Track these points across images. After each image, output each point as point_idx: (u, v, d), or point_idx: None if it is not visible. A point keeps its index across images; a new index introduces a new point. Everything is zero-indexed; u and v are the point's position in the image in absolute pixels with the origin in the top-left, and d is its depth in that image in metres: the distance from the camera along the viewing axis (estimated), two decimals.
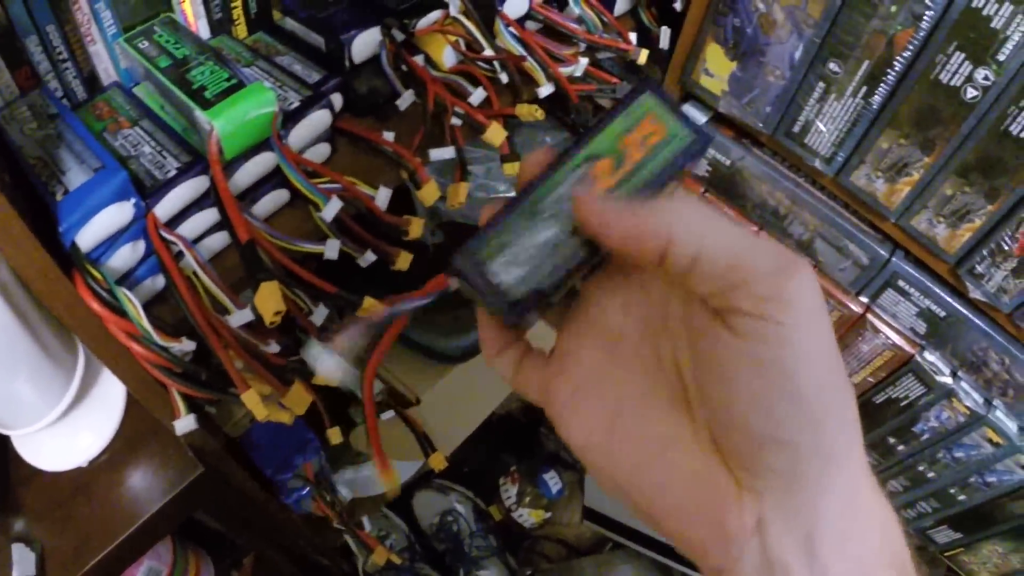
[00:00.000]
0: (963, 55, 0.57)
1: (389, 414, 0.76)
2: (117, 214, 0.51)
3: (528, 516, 1.30)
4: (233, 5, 0.62)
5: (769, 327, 0.25)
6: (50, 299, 0.48)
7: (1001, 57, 0.55)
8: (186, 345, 0.53)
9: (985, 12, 0.54)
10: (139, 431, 0.66)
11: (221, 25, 0.63)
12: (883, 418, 0.78)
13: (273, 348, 0.58)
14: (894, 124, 0.62)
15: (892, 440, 0.79)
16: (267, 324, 0.52)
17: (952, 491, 0.78)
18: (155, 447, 0.65)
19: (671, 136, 0.31)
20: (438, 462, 0.75)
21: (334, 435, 0.73)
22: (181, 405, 0.57)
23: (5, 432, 0.61)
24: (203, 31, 0.63)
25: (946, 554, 0.84)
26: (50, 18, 0.54)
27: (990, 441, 0.72)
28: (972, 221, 0.63)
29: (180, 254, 0.54)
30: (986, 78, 0.56)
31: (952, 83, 0.58)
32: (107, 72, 0.60)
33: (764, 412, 0.26)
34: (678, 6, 0.70)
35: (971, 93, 0.58)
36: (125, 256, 0.53)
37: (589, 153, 0.31)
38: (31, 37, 0.54)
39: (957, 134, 0.60)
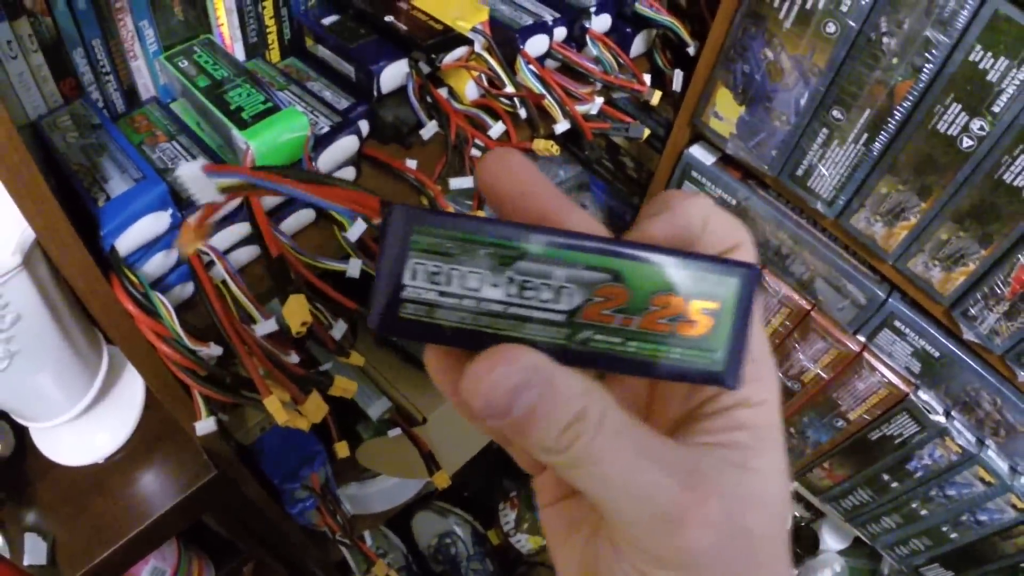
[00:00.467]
0: (960, 106, 0.61)
1: (396, 431, 0.80)
2: (154, 223, 0.55)
3: (526, 542, 1.33)
4: (268, 31, 0.67)
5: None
6: (88, 297, 0.52)
7: (996, 109, 0.59)
8: (213, 350, 0.57)
9: (981, 66, 0.58)
10: (156, 433, 0.69)
11: (256, 49, 0.68)
12: (877, 455, 0.81)
13: (293, 359, 0.62)
14: (893, 171, 0.67)
15: (886, 477, 0.82)
16: (294, 334, 0.57)
17: (944, 529, 0.81)
18: (171, 449, 0.69)
19: (705, 347, 0.24)
20: (442, 480, 0.78)
21: (341, 449, 0.77)
22: (203, 408, 0.60)
23: (27, 424, 0.65)
24: (239, 53, 0.68)
25: None
26: (97, 32, 0.59)
27: (982, 480, 0.76)
28: (966, 265, 0.67)
29: (211, 264, 0.59)
30: (981, 128, 0.60)
31: (949, 132, 0.62)
32: (146, 87, 0.65)
33: None
34: (691, 51, 0.75)
35: (967, 143, 0.62)
36: (158, 263, 0.57)
37: (618, 268, 0.24)
38: (77, 49, 0.59)
39: (953, 181, 0.64)
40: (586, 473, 0.24)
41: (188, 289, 0.61)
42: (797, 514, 1.18)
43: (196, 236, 0.30)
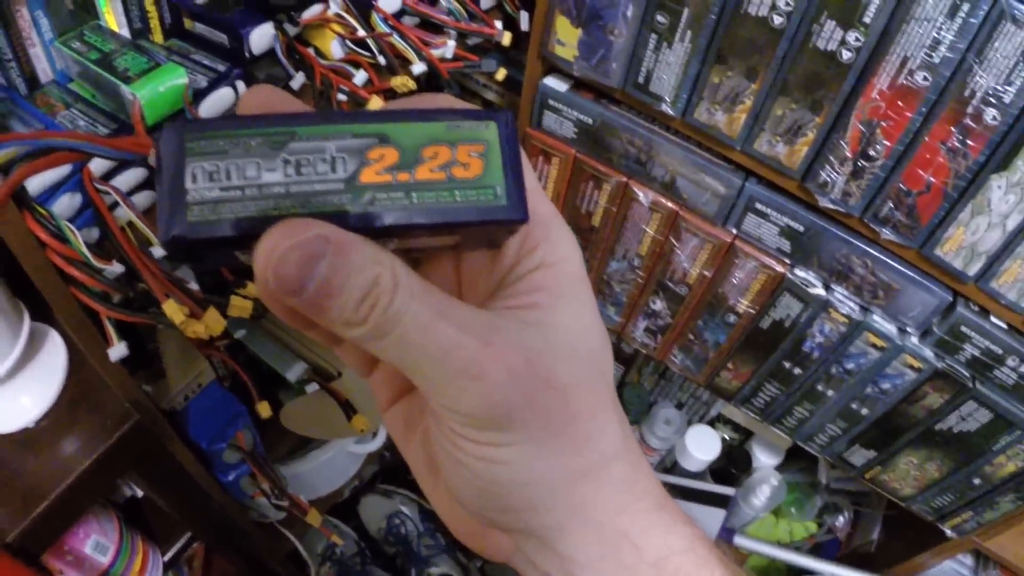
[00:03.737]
0: None
1: (313, 387, 0.93)
2: None
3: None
4: (150, 16, 0.85)
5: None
6: (4, 228, 0.67)
7: None
8: (116, 267, 0.72)
9: None
10: (82, 394, 0.83)
11: (140, 34, 0.86)
12: (773, 343, 0.95)
13: (194, 286, 0.77)
14: (720, 60, 0.83)
15: (787, 365, 0.96)
16: None
17: (854, 406, 0.94)
18: (96, 406, 0.82)
19: (484, 185, 0.29)
20: (360, 423, 0.91)
21: (263, 408, 0.90)
22: (114, 334, 0.75)
23: None
24: None
25: (867, 476, 0.99)
26: None
27: (874, 346, 0.89)
28: (805, 135, 0.83)
29: (115, 204, 0.74)
30: (787, 4, 0.76)
31: (759, 14, 0.78)
32: (45, 72, 0.82)
33: (472, 502, 0.32)
34: None
35: (777, 20, 0.78)
36: (65, 204, 0.73)
37: (382, 131, 0.28)
38: None
39: (774, 58, 0.80)
40: (388, 342, 0.27)
41: (94, 234, 0.76)
42: (727, 436, 1.29)
43: None
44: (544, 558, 0.32)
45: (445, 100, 0.32)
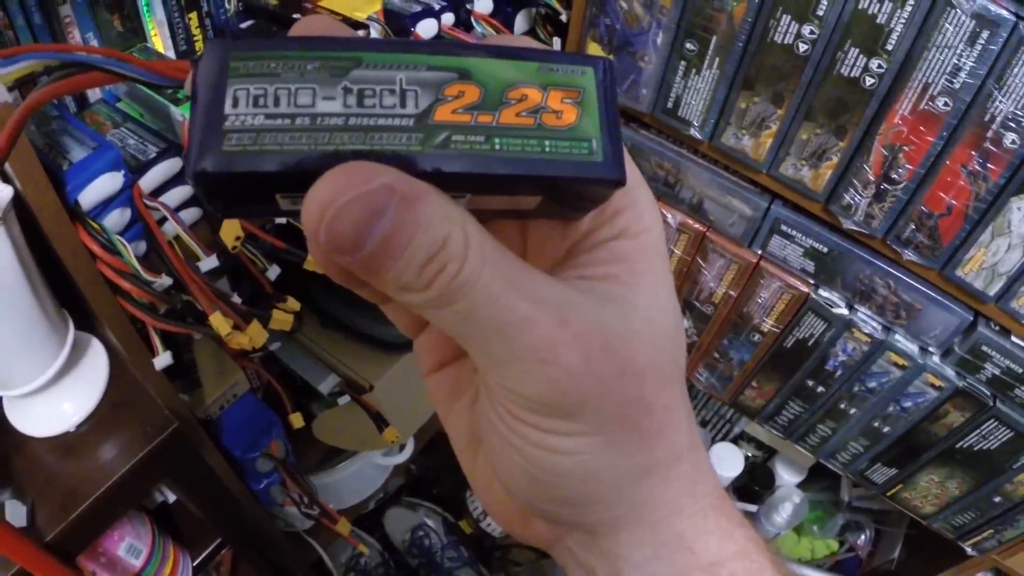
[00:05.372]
0: (789, 16, 0.81)
1: (345, 399, 0.97)
2: (110, 182, 0.75)
3: (496, 525, 1.48)
4: (195, 39, 0.90)
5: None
6: (58, 240, 0.71)
7: (820, 12, 0.79)
8: (164, 280, 0.76)
9: None
10: (122, 401, 0.87)
11: (185, 55, 0.90)
12: (797, 362, 0.99)
13: (237, 299, 0.81)
14: (747, 86, 0.88)
15: (811, 383, 0.99)
16: (230, 249, 0.76)
17: (876, 424, 0.97)
18: (136, 413, 0.86)
19: (577, 137, 0.25)
20: (391, 435, 0.95)
21: (296, 419, 0.95)
22: (159, 344, 0.79)
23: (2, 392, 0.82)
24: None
25: (888, 494, 1.02)
26: (50, 41, 0.81)
27: (896, 365, 0.93)
28: (830, 159, 0.87)
29: (163, 220, 0.79)
30: (811, 32, 0.80)
31: (785, 42, 0.83)
32: (93, 91, 0.87)
33: (521, 490, 0.30)
34: (564, 18, 0.99)
35: (802, 47, 0.82)
36: (115, 219, 0.77)
37: (462, 66, 0.24)
38: None
39: (799, 84, 0.84)
40: (450, 312, 0.24)
41: (141, 247, 0.80)
42: (750, 454, 1.33)
43: None
44: (589, 553, 0.31)
45: (530, 42, 0.28)
